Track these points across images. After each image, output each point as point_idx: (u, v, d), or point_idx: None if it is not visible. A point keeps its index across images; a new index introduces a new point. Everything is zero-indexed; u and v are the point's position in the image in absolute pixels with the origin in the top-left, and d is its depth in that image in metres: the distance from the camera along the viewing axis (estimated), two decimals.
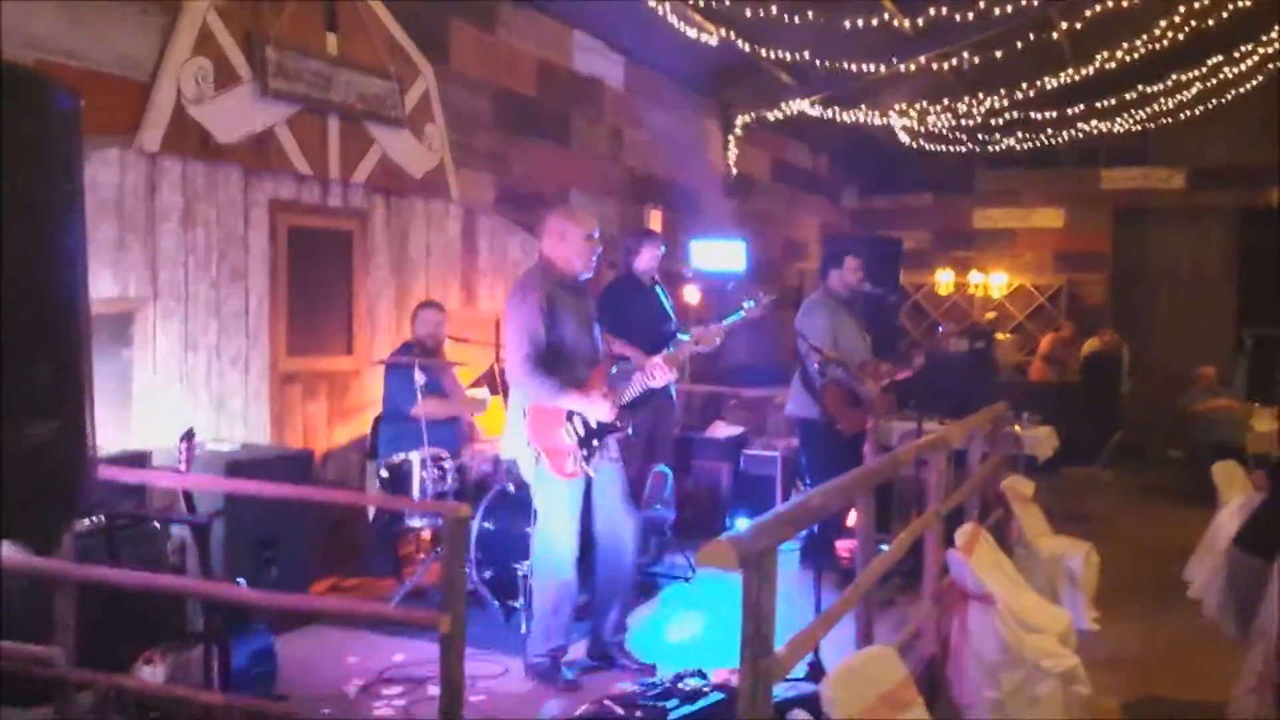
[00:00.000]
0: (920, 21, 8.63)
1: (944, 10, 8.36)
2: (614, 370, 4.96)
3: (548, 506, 4.82)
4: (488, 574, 5.68)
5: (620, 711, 4.13)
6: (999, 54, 9.35)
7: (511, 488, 5.87)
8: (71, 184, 2.39)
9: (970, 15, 8.27)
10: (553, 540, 4.80)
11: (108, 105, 5.14)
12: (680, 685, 4.38)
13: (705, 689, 4.34)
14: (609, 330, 6.36)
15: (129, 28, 5.23)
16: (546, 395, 4.68)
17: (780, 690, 4.17)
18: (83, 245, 2.50)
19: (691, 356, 6.76)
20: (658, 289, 6.63)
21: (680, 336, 6.42)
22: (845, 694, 3.07)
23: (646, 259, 6.55)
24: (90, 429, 2.45)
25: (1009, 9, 8.22)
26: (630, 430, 4.99)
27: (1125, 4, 8.24)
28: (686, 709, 4.18)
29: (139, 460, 4.90)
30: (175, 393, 5.58)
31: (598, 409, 4.72)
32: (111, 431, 5.24)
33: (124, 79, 5.23)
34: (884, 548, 4.37)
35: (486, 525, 5.73)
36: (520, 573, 5.46)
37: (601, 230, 5.06)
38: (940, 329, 8.90)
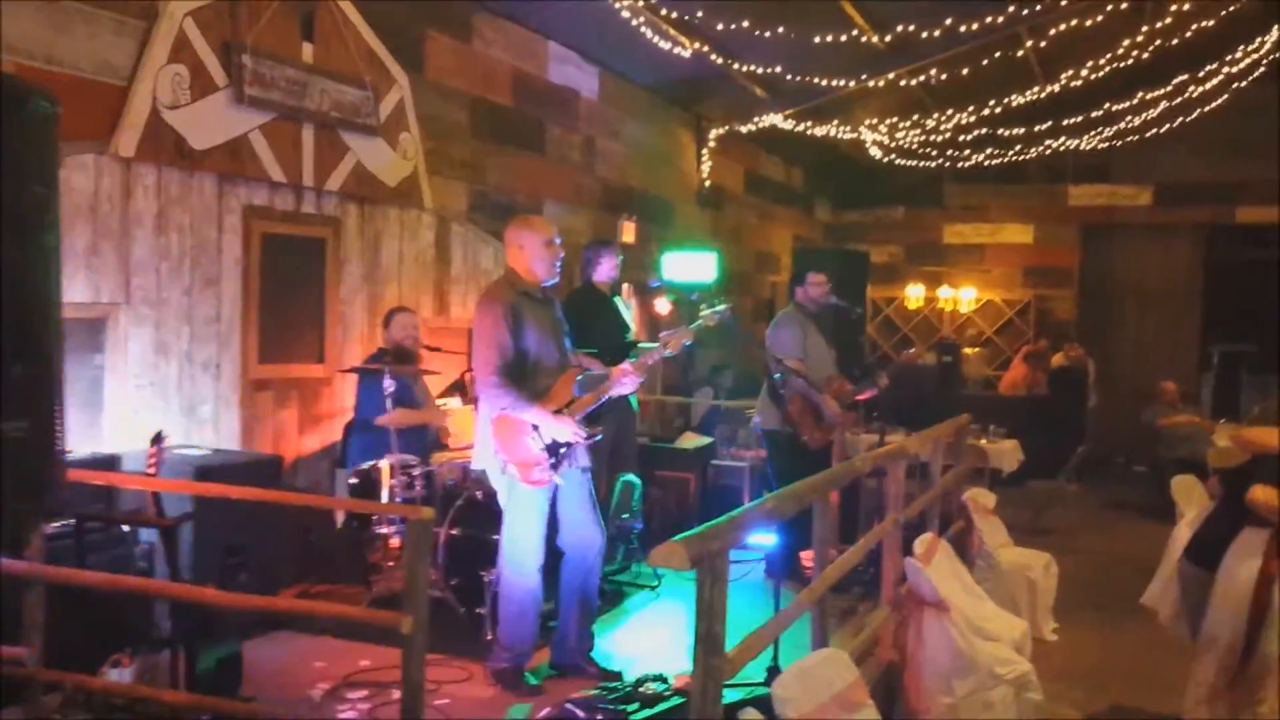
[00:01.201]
0: (888, 38, 8.76)
1: (911, 27, 8.50)
2: (579, 378, 5.00)
3: (515, 514, 4.84)
4: (454, 581, 5.72)
5: (581, 714, 4.21)
6: (966, 71, 9.50)
7: (480, 495, 5.91)
8: (48, 188, 2.45)
9: (936, 32, 8.42)
10: (520, 547, 4.84)
11: (84, 110, 5.16)
12: (641, 689, 4.46)
13: (666, 693, 4.42)
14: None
15: (106, 33, 5.27)
16: (512, 407, 4.73)
17: (737, 694, 4.26)
18: (58, 249, 2.56)
19: (657, 363, 6.82)
20: (615, 299, 6.70)
21: (641, 346, 6.53)
22: (796, 694, 3.17)
23: (605, 269, 6.63)
24: (61, 429, 2.51)
25: (975, 26, 8.37)
26: (599, 437, 5.05)
27: (1089, 23, 8.41)
28: (646, 713, 4.26)
29: (108, 464, 4.93)
30: (146, 398, 5.61)
31: (560, 430, 4.74)
32: (82, 435, 5.27)
33: (100, 84, 5.26)
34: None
35: (454, 533, 5.77)
36: (486, 580, 5.50)
37: (572, 239, 5.11)
38: (905, 351, 9.01)
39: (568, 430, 4.75)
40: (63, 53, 5.05)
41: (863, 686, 3.51)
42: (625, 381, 5.00)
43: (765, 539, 5.28)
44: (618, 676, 4.94)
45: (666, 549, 2.55)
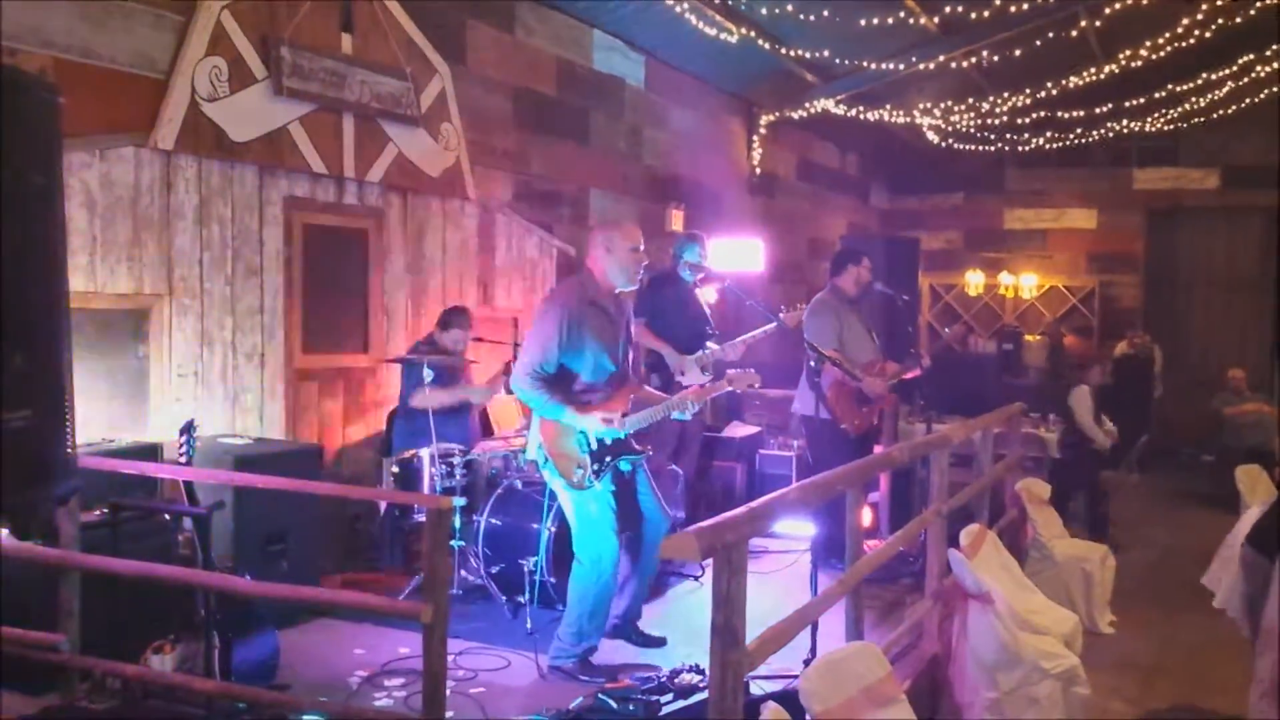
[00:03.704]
0: (936, 19, 8.59)
1: (960, 8, 8.32)
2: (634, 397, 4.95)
3: (583, 509, 4.81)
4: (495, 569, 5.72)
5: (614, 705, 4.17)
6: (1020, 52, 9.29)
7: (520, 484, 5.91)
8: (48, 178, 2.44)
9: (987, 13, 8.23)
10: (595, 541, 4.80)
11: (123, 103, 5.23)
12: (676, 680, 4.41)
13: (700, 684, 4.36)
14: (647, 326, 6.46)
15: (144, 27, 5.32)
16: (542, 408, 4.74)
17: (769, 685, 4.19)
18: (61, 239, 2.56)
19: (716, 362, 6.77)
20: (697, 292, 6.70)
21: (710, 345, 6.53)
22: (824, 688, 3.09)
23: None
24: (68, 417, 2.51)
25: (1025, 7, 8.17)
26: (650, 453, 5.03)
27: (1146, 1, 8.17)
28: (680, 704, 4.20)
29: (149, 453, 4.99)
30: (190, 388, 5.67)
31: (589, 420, 4.72)
32: (127, 425, 5.35)
33: (140, 77, 5.31)
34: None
35: (494, 521, 5.78)
36: (526, 568, 5.49)
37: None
38: (947, 330, 8.86)
39: (597, 424, 4.72)
40: (100, 47, 5.10)
41: (895, 681, 3.42)
42: (687, 406, 4.95)
43: (803, 527, 5.22)
44: (662, 642, 5.05)
45: (678, 540, 2.50)
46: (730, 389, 5.01)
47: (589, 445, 4.76)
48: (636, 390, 4.95)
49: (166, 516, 4.80)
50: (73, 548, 3.89)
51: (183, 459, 3.99)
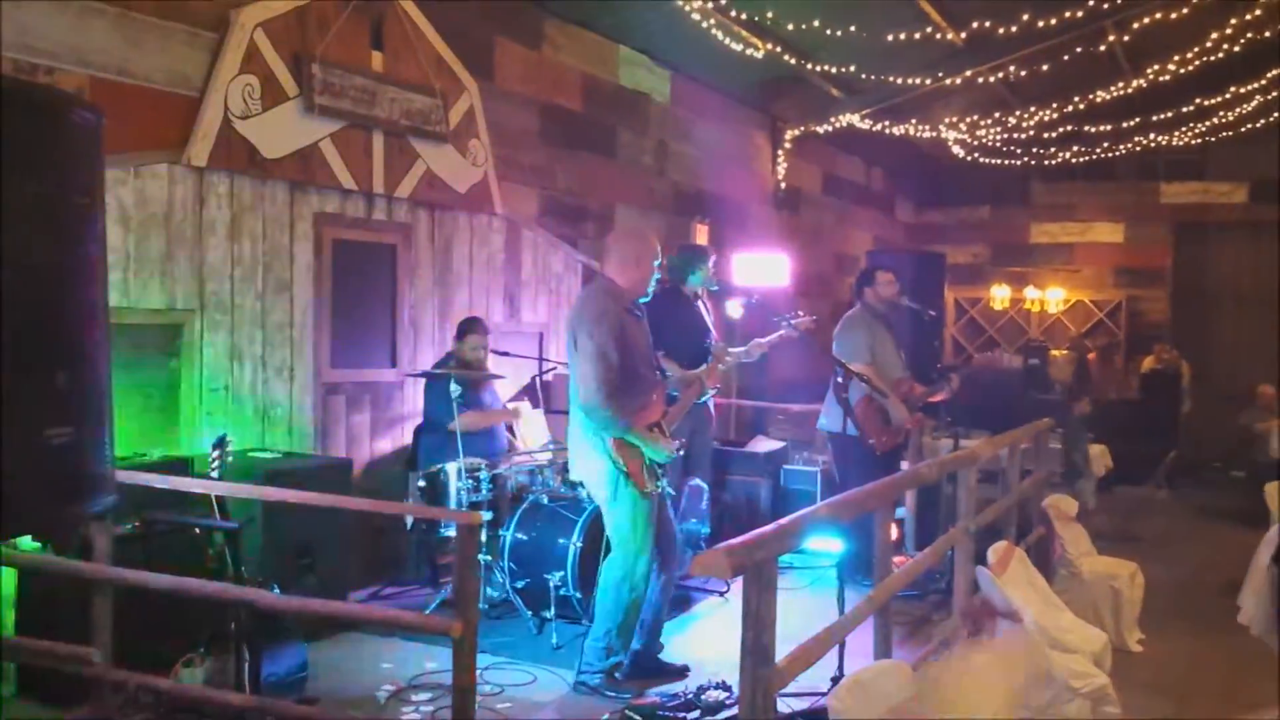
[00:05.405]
0: (963, 34, 8.58)
1: (988, 23, 8.32)
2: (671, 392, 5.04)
3: (632, 525, 4.82)
4: (520, 584, 5.73)
5: None
6: (1047, 67, 9.28)
7: (545, 499, 5.92)
8: (89, 198, 2.47)
9: (1014, 28, 8.22)
10: (635, 558, 4.82)
11: (157, 121, 5.30)
12: (703, 697, 4.41)
13: (728, 701, 4.36)
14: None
15: (178, 45, 5.40)
16: (614, 430, 4.73)
17: (797, 703, 4.19)
18: (102, 258, 2.59)
19: (736, 368, 6.78)
20: (699, 304, 6.68)
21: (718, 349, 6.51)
22: (854, 706, 3.07)
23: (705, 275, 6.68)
24: (108, 434, 2.54)
25: (1053, 21, 8.16)
26: (682, 451, 5.12)
27: (1174, 16, 8.14)
28: None
29: (180, 467, 5.03)
30: (221, 402, 5.72)
31: (661, 450, 4.82)
32: (158, 439, 5.40)
33: (173, 95, 5.39)
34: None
35: (520, 536, 5.78)
36: (552, 584, 5.50)
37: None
38: (980, 354, 8.86)
39: (667, 450, 4.84)
40: (136, 65, 5.18)
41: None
42: (705, 389, 5.08)
43: (829, 544, 5.21)
44: (685, 673, 4.96)
45: (709, 558, 2.50)
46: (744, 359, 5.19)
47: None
48: (667, 389, 5.09)
49: (197, 530, 4.84)
50: (105, 561, 3.92)
51: (215, 474, 4.02)
